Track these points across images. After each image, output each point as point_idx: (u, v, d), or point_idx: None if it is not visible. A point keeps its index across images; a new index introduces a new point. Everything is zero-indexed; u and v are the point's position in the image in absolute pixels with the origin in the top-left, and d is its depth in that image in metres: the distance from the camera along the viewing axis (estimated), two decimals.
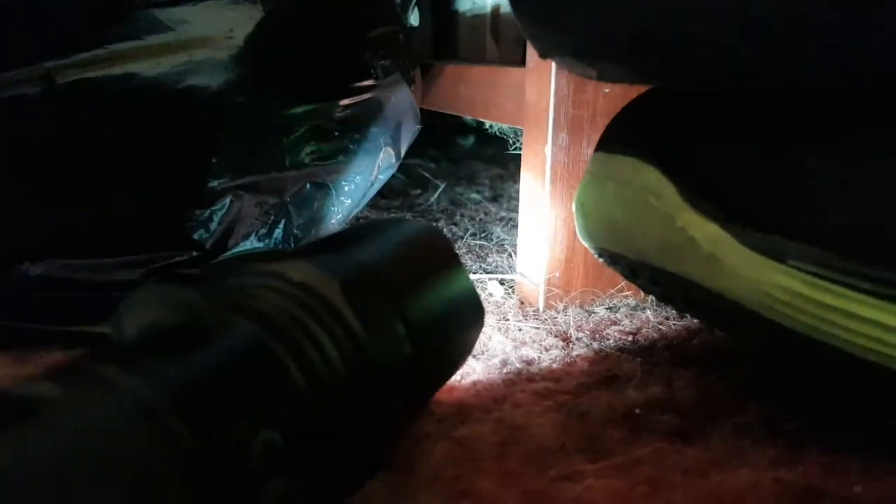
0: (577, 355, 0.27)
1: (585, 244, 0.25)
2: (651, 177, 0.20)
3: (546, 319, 0.30)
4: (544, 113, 0.30)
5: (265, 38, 0.26)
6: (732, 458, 0.19)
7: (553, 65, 0.29)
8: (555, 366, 0.26)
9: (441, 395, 0.23)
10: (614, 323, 0.30)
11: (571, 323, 0.29)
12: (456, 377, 0.24)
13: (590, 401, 0.23)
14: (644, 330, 0.29)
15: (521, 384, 0.25)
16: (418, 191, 0.55)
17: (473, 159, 0.67)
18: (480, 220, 0.48)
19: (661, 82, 0.20)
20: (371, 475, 0.17)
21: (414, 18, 0.33)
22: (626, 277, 0.23)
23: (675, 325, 0.29)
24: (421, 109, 0.35)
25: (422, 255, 0.20)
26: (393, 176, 0.35)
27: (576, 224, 0.25)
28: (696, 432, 0.21)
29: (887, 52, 0.16)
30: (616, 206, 0.21)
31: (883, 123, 0.18)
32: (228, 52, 0.26)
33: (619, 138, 0.22)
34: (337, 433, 0.15)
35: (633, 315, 0.30)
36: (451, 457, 0.20)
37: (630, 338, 0.28)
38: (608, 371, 0.25)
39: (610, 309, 0.31)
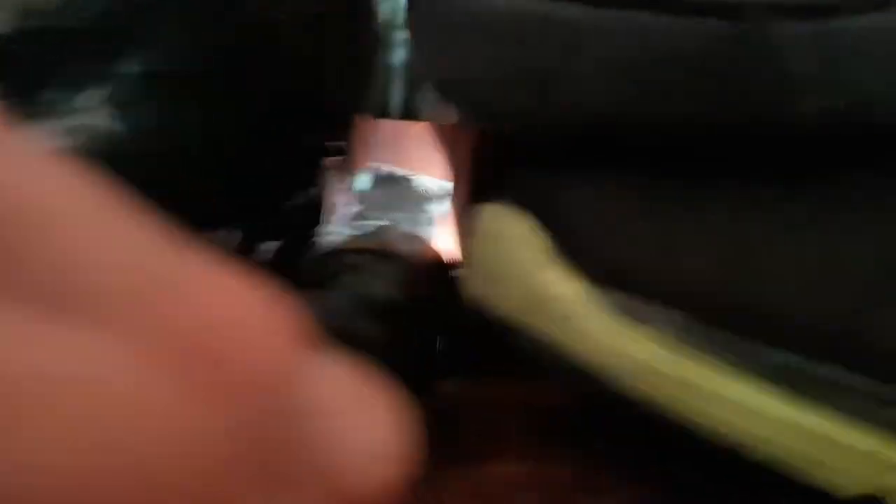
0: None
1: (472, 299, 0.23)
2: (521, 229, 0.19)
3: None
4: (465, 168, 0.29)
5: None
6: None
7: None
8: None
9: None
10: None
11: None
12: None
13: (451, 474, 0.21)
14: (534, 398, 0.27)
15: None
16: None
17: None
18: None
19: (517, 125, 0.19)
20: None
21: None
22: (503, 337, 0.22)
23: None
24: None
25: None
26: None
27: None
28: None
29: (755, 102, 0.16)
30: (489, 257, 0.20)
31: (766, 179, 0.17)
32: None
33: (504, 188, 0.20)
34: None
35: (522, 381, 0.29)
36: None
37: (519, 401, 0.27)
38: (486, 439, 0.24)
39: None
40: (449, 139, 0.30)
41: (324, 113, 0.26)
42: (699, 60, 0.15)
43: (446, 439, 0.22)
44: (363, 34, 0.27)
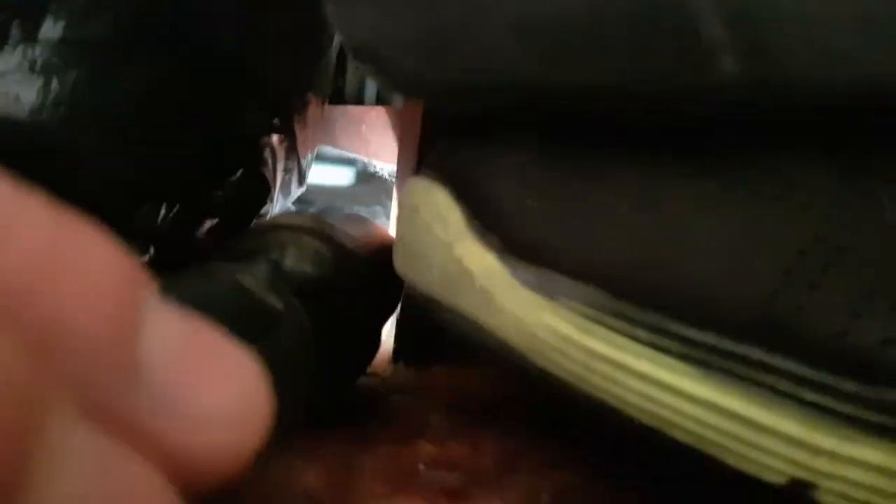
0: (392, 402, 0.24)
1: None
2: (440, 200, 0.18)
3: None
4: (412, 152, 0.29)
5: None
6: None
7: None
8: None
9: None
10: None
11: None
12: None
13: (371, 453, 0.21)
14: (473, 381, 0.27)
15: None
16: None
17: None
18: None
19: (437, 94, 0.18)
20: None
21: None
22: (429, 314, 0.21)
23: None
24: None
25: None
26: None
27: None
28: (468, 493, 0.19)
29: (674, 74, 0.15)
30: (409, 232, 0.19)
31: (684, 155, 0.17)
32: None
33: (427, 160, 0.20)
34: None
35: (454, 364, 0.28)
36: None
37: (457, 390, 0.26)
38: (414, 422, 0.23)
39: None
40: (399, 121, 0.30)
41: (263, 89, 0.26)
42: (613, 21, 0.14)
43: (373, 420, 0.22)
44: (307, 9, 0.26)
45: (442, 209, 0.18)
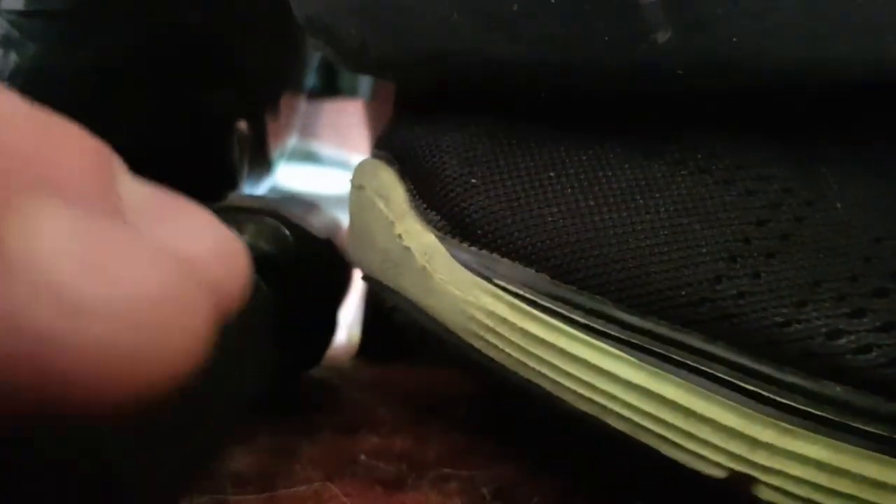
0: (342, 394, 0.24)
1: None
2: (385, 178, 0.18)
3: None
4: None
5: None
6: None
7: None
8: None
9: None
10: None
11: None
12: None
13: (311, 441, 0.20)
14: (429, 376, 0.26)
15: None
16: None
17: None
18: None
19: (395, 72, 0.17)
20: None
21: None
22: (377, 301, 0.20)
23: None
24: None
25: None
26: None
27: None
28: (405, 485, 0.18)
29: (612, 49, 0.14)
30: (355, 213, 0.19)
31: (627, 136, 0.16)
32: None
33: (376, 140, 0.19)
34: None
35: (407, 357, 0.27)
36: None
37: (411, 385, 0.25)
38: (360, 414, 0.23)
39: None
40: (371, 112, 0.30)
41: (231, 72, 0.25)
42: None
43: (319, 410, 0.21)
44: None
45: (386, 187, 0.17)
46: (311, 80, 0.30)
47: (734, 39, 0.13)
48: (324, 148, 0.39)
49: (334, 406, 0.21)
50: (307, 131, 0.38)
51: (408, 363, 0.27)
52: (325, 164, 0.49)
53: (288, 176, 0.48)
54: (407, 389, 0.23)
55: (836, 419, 0.14)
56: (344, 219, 0.22)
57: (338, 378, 0.24)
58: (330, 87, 0.34)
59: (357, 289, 0.28)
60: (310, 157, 0.50)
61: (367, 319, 0.28)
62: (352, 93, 0.34)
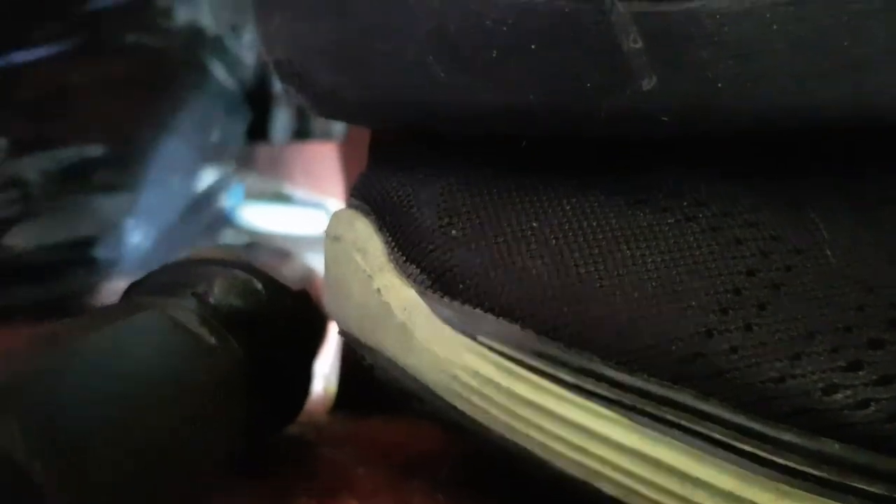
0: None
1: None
2: (361, 229, 0.17)
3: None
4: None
5: None
6: None
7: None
8: None
9: None
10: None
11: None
12: None
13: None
14: (408, 432, 0.25)
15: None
16: None
17: None
18: None
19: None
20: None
21: None
22: (355, 358, 0.20)
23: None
24: None
25: None
26: None
27: None
28: None
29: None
30: (332, 265, 0.18)
31: (612, 183, 0.16)
32: None
33: (352, 189, 0.19)
34: None
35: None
36: None
37: (390, 441, 0.24)
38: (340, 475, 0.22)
39: None
40: (345, 154, 0.29)
41: None
42: (531, 33, 0.13)
43: (296, 472, 0.20)
44: None
45: (363, 239, 0.17)
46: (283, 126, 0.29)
47: (719, 84, 0.13)
48: (297, 191, 0.38)
49: (312, 467, 0.20)
50: (280, 173, 0.38)
51: (387, 414, 0.26)
52: (298, 205, 0.49)
53: (260, 217, 0.48)
54: (386, 445, 0.22)
55: (836, 479, 0.14)
56: (318, 261, 0.22)
57: (314, 434, 0.23)
58: (303, 130, 0.34)
59: (333, 337, 0.27)
60: (282, 198, 0.49)
61: (343, 370, 0.27)
62: (325, 136, 0.33)
